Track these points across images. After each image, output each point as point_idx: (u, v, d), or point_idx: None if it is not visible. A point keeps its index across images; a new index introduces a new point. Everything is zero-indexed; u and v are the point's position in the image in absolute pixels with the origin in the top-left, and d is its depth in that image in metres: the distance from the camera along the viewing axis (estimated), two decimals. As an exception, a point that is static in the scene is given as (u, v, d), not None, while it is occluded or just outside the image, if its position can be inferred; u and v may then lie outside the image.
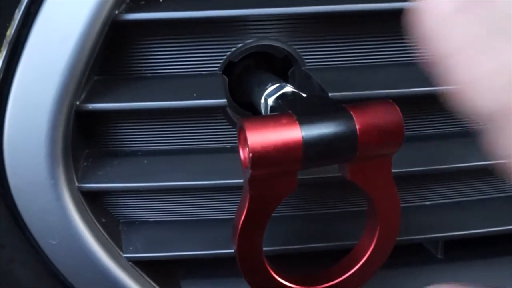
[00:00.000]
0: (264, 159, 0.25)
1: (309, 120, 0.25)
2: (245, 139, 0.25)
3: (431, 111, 0.40)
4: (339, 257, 0.33)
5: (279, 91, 0.33)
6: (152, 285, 0.39)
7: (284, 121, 0.25)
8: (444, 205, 0.41)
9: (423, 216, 0.41)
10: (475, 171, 0.39)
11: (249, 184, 0.26)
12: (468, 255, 0.44)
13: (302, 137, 0.24)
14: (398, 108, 0.26)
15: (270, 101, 0.33)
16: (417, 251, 0.45)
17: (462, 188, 0.42)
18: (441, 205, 0.41)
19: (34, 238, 0.37)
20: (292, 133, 0.25)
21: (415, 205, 0.41)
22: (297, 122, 0.25)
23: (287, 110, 0.27)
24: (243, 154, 0.27)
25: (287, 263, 0.33)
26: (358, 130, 0.25)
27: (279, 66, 0.41)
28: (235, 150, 0.39)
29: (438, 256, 0.44)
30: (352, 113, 0.26)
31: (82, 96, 0.34)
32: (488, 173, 0.40)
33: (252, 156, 0.24)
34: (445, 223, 0.41)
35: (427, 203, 0.42)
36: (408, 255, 0.43)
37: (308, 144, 0.25)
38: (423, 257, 0.44)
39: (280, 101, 0.30)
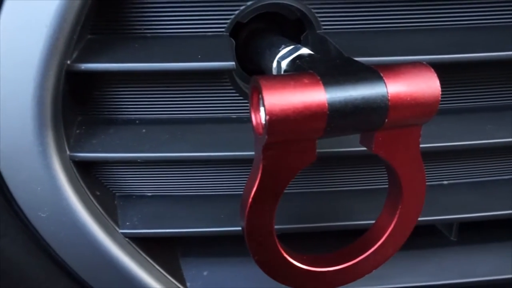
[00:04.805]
0: (282, 124, 0.22)
1: (335, 80, 0.22)
2: (260, 100, 0.22)
3: (456, 82, 0.37)
4: (353, 238, 0.31)
5: (294, 53, 0.29)
6: (149, 262, 0.37)
7: (306, 80, 0.22)
8: (463, 185, 0.39)
9: (439, 196, 0.39)
10: (502, 149, 0.36)
11: (262, 152, 0.23)
12: (483, 237, 0.41)
13: (327, 100, 0.21)
14: (434, 71, 0.23)
15: (284, 64, 0.29)
16: (428, 233, 0.43)
17: (485, 168, 0.39)
18: (460, 185, 0.39)
19: (21, 210, 0.34)
20: (315, 94, 0.21)
21: (432, 184, 0.39)
22: (320, 82, 0.22)
23: (308, 70, 0.23)
24: (256, 119, 0.24)
25: (293, 243, 0.31)
26: (389, 94, 0.22)
27: (290, 30, 0.38)
28: (241, 121, 0.36)
29: (452, 238, 0.42)
30: (382, 74, 0.23)
31: (74, 55, 0.31)
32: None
33: (269, 120, 0.21)
34: (462, 204, 0.38)
35: (445, 182, 0.39)
36: (418, 237, 0.41)
37: (333, 108, 0.22)
38: (435, 239, 0.42)
39: (298, 61, 0.27)
